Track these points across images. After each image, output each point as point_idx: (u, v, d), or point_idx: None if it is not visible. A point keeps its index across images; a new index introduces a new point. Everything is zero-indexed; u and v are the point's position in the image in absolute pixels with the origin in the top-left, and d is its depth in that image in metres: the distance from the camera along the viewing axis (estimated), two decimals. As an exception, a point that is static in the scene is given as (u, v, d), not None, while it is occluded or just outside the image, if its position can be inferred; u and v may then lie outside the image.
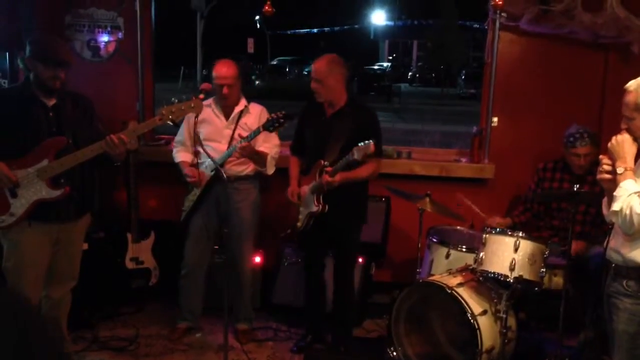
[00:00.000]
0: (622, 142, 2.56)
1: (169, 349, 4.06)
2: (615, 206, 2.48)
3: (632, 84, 2.60)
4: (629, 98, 2.58)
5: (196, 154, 4.06)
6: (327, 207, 3.74)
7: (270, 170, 4.07)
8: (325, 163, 3.72)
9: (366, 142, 3.45)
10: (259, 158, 3.96)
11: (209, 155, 3.65)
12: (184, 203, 4.12)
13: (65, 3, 4.88)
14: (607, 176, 2.59)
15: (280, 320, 4.47)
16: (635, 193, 2.45)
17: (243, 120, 4.02)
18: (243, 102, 4.08)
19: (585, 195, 3.64)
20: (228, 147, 3.93)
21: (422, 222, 4.01)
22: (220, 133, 4.00)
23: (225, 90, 3.94)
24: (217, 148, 3.92)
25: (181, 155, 4.14)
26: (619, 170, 2.52)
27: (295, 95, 20.72)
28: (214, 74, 3.98)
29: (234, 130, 3.98)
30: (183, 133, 4.14)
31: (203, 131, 3.98)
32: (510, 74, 4.73)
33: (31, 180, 3.17)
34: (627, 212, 2.44)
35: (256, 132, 3.80)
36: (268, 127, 3.76)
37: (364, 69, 27.36)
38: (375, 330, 4.39)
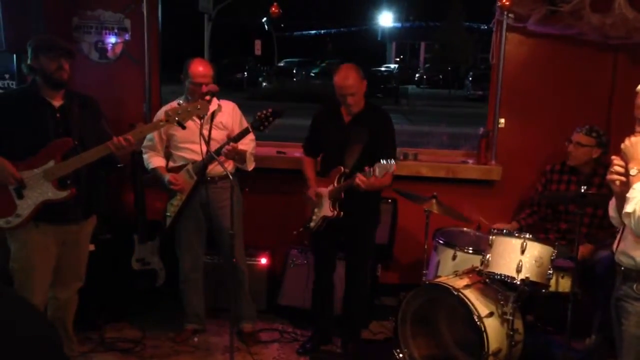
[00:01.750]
0: (636, 143, 2.49)
1: (175, 350, 4.06)
2: (628, 208, 2.43)
3: None
4: None
5: (168, 156, 4.05)
6: (342, 213, 3.75)
7: (250, 166, 4.04)
8: (346, 171, 3.72)
9: (389, 161, 3.42)
10: (239, 156, 3.94)
11: (213, 156, 3.61)
12: (167, 208, 4.04)
13: (72, 5, 4.90)
14: (619, 177, 2.54)
15: (286, 321, 4.47)
16: None
17: (217, 119, 3.96)
18: (215, 100, 3.97)
19: (592, 197, 3.62)
20: (207, 147, 3.84)
21: (429, 224, 3.99)
22: (196, 134, 3.82)
23: (204, 88, 3.78)
24: (195, 149, 3.82)
25: (154, 160, 4.05)
26: (633, 172, 2.46)
27: (302, 97, 20.77)
28: (190, 73, 3.86)
29: (210, 130, 3.91)
30: (153, 138, 4.03)
31: (178, 134, 3.91)
32: (517, 75, 4.71)
33: (37, 181, 3.18)
34: None
35: (245, 132, 3.77)
36: (257, 126, 3.73)
37: (371, 70, 27.41)
38: (381, 332, 4.38)
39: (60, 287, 3.44)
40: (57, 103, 3.28)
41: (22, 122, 3.20)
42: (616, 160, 2.56)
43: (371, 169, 3.49)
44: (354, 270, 3.97)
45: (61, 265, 3.40)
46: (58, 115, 3.27)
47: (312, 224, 3.89)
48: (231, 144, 3.76)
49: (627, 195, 2.44)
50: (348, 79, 3.70)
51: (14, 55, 4.42)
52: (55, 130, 3.25)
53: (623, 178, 2.51)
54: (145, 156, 4.08)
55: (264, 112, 3.74)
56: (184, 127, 3.43)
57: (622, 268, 2.65)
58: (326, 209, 3.79)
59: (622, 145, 2.53)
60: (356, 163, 3.70)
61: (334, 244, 3.99)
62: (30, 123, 3.21)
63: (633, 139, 2.51)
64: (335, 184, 3.76)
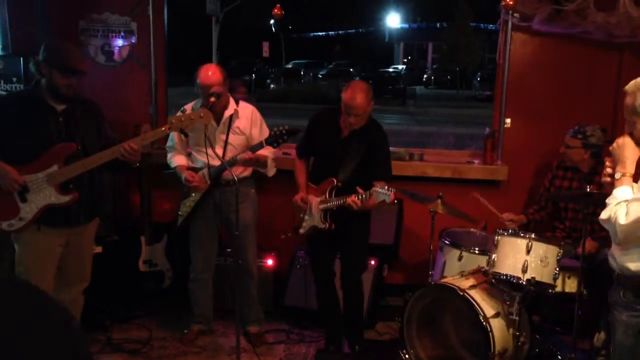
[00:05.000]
0: (623, 145, 2.44)
1: (182, 351, 4.08)
2: (603, 215, 2.39)
3: (630, 86, 2.47)
4: (627, 101, 2.46)
5: (188, 155, 4.09)
6: (333, 225, 3.74)
7: (272, 172, 4.07)
8: (338, 184, 3.71)
9: (387, 191, 3.37)
10: (259, 163, 3.95)
11: (225, 165, 3.63)
12: (179, 208, 4.09)
13: (79, 8, 4.93)
14: (609, 179, 2.50)
15: (292, 322, 4.48)
16: (625, 201, 2.34)
17: (235, 124, 3.96)
18: (232, 105, 3.97)
19: (596, 196, 3.60)
20: (223, 151, 3.90)
21: (434, 224, 3.98)
22: (213, 137, 3.92)
23: (212, 100, 3.74)
24: (211, 154, 3.83)
25: (176, 159, 4.09)
26: (617, 175, 2.42)
27: (310, 98, 20.80)
28: (199, 82, 3.82)
29: (227, 135, 3.94)
30: (174, 139, 4.07)
31: (194, 137, 3.90)
32: (523, 75, 4.71)
33: (40, 185, 3.20)
34: (613, 221, 2.35)
35: (259, 146, 3.79)
36: (271, 142, 3.74)
37: (379, 71, 27.37)
38: (387, 333, 4.39)
39: (64, 287, 3.45)
40: (59, 107, 3.29)
41: (24, 125, 3.21)
42: (608, 161, 2.52)
43: (367, 193, 3.46)
44: (347, 270, 3.93)
45: (65, 265, 3.41)
46: (60, 119, 3.28)
47: (301, 230, 3.88)
48: (248, 152, 3.77)
49: (606, 200, 2.39)
50: (355, 100, 3.59)
51: (21, 59, 4.46)
52: (57, 134, 3.26)
53: (611, 180, 2.48)
54: (168, 155, 4.13)
55: (279, 129, 3.74)
56: (186, 135, 3.51)
57: (615, 272, 2.57)
58: (317, 220, 3.77)
59: (610, 148, 2.49)
60: (349, 178, 3.68)
61: (329, 246, 3.94)
62: (33, 126, 3.22)
63: (620, 140, 2.46)
64: (327, 196, 3.73)
